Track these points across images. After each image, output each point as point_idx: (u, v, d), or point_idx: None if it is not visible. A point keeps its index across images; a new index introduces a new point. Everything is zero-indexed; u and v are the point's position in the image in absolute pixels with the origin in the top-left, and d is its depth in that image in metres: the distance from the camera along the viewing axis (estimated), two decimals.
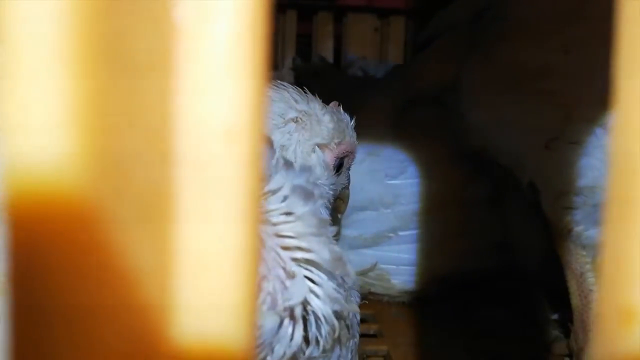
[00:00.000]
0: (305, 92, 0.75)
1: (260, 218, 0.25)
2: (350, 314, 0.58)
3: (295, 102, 0.73)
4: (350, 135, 0.78)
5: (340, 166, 0.77)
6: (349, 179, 0.83)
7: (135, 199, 0.23)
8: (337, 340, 0.54)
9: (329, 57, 1.74)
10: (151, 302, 0.23)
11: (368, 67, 1.57)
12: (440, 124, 1.13)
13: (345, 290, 0.54)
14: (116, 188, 0.23)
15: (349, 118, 0.79)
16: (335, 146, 0.74)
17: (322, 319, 0.51)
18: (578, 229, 0.89)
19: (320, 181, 0.69)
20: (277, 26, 1.71)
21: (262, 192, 0.50)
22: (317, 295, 0.50)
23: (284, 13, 1.71)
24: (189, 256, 0.23)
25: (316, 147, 0.73)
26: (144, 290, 0.23)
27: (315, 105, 0.74)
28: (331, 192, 0.74)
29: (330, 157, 0.75)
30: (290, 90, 0.74)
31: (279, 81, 0.76)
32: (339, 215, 0.95)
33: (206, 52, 0.22)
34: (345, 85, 1.36)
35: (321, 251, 0.50)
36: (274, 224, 0.51)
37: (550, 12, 0.92)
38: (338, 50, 1.76)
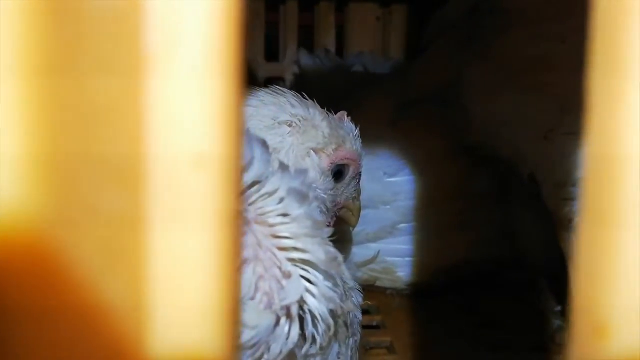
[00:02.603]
0: (305, 99, 0.74)
1: (236, 245, 0.26)
2: (350, 314, 0.59)
3: (291, 106, 0.72)
4: (352, 144, 0.76)
5: (339, 174, 0.76)
6: (358, 191, 0.81)
7: (102, 231, 0.23)
8: (334, 338, 0.55)
9: (331, 48, 1.73)
10: (125, 334, 0.24)
11: (372, 64, 1.55)
12: (439, 118, 1.12)
13: (342, 290, 0.55)
14: (80, 220, 0.23)
15: (353, 127, 0.78)
16: (332, 152, 0.74)
17: (319, 317, 0.52)
18: (578, 219, 0.89)
19: (314, 185, 0.68)
20: (278, 17, 1.70)
21: (257, 195, 0.51)
22: (313, 295, 0.51)
23: (284, 4, 1.70)
24: (160, 284, 0.24)
25: (311, 151, 0.72)
26: (116, 321, 0.24)
27: (315, 112, 0.73)
28: (327, 197, 0.73)
29: (326, 163, 0.74)
30: (289, 96, 0.73)
31: (278, 87, 0.75)
32: (351, 229, 0.93)
33: (176, 77, 0.23)
34: (348, 81, 1.35)
35: (316, 252, 0.51)
36: (271, 225, 0.52)
37: (545, 2, 0.91)
38: (340, 41, 1.75)
